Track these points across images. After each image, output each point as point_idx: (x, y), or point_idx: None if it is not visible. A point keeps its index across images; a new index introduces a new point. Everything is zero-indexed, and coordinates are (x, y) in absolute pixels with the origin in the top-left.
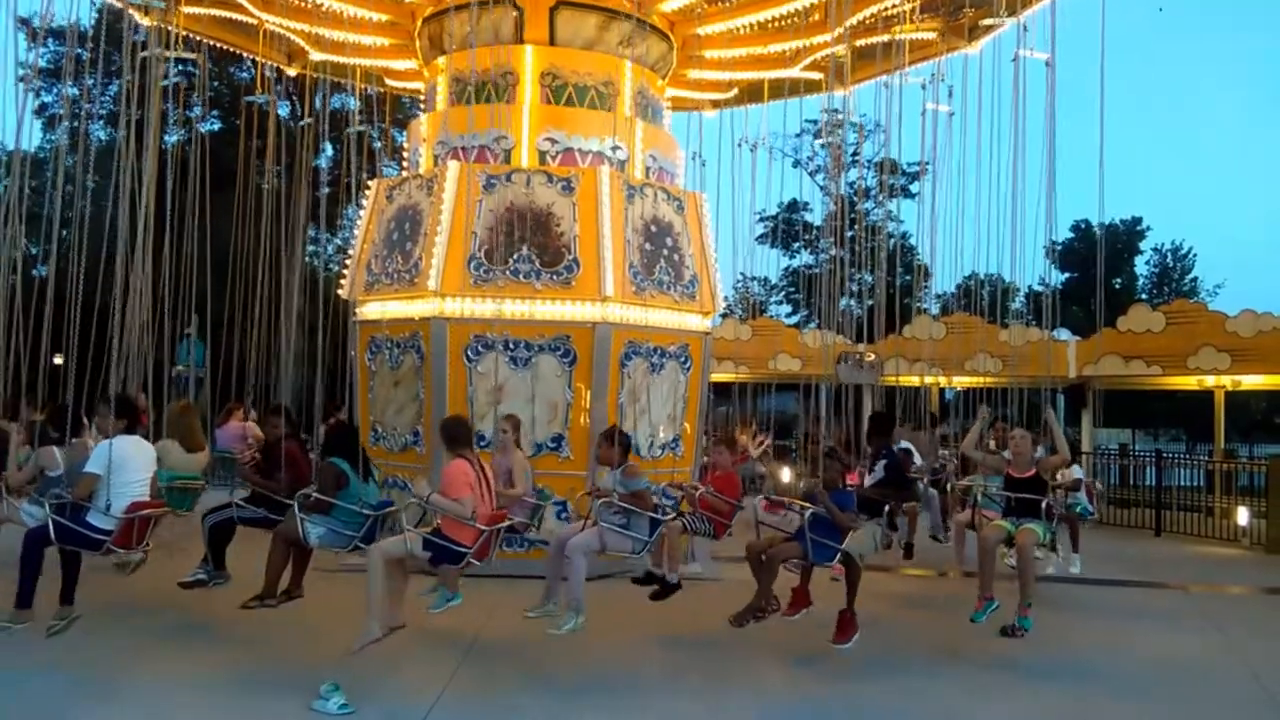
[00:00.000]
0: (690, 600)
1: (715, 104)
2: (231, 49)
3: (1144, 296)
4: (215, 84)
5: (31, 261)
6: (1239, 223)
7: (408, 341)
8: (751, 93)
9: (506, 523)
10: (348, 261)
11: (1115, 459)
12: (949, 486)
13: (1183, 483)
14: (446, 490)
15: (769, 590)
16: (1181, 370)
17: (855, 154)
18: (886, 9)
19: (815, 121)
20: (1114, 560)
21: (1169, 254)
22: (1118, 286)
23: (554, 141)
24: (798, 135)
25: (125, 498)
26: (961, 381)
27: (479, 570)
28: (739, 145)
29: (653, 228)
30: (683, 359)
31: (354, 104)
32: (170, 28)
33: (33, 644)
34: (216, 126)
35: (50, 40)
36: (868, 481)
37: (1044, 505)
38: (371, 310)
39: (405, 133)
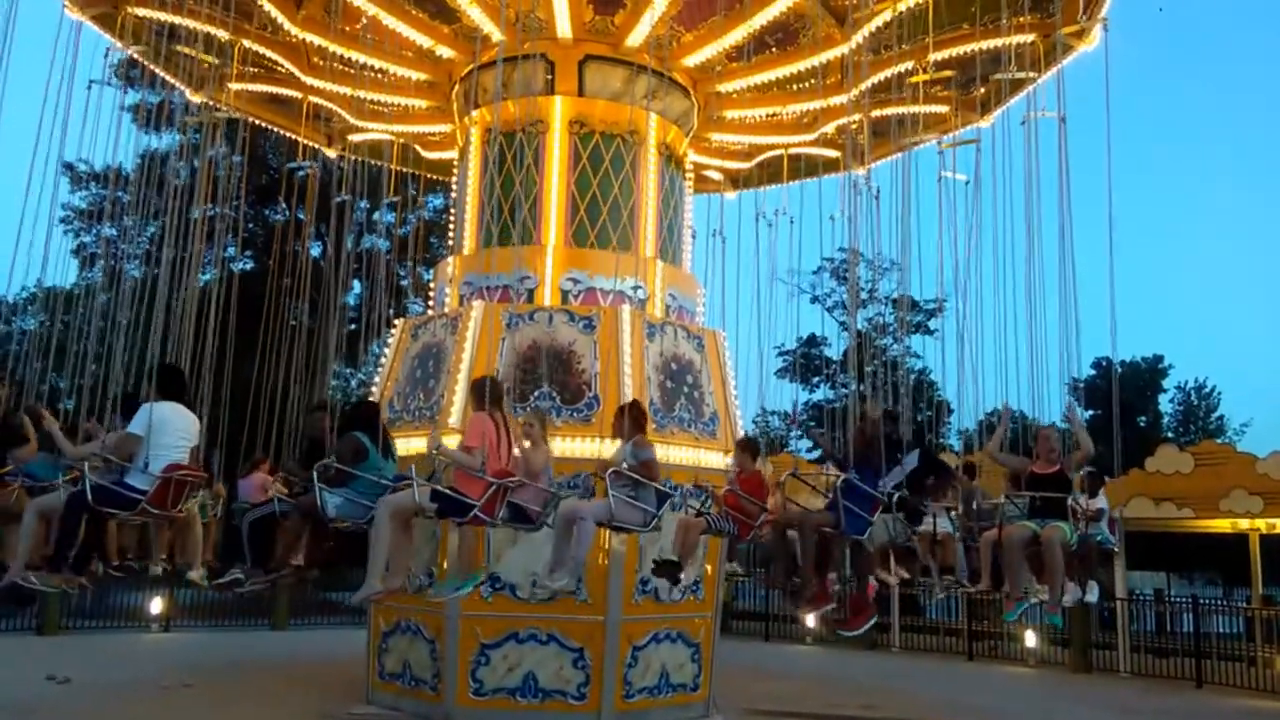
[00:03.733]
0: None
1: (736, 183)
2: (274, 128)
3: (1170, 435)
4: (250, 225)
5: (60, 394)
6: (1262, 360)
7: (427, 479)
8: (771, 174)
9: (516, 479)
10: (370, 398)
11: (1151, 605)
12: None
13: (1222, 630)
14: (462, 442)
15: (785, 564)
16: (1213, 512)
17: (872, 290)
18: (901, 73)
19: (832, 259)
20: (1160, 717)
21: (1193, 392)
22: (1143, 425)
23: (576, 281)
24: (815, 272)
25: (163, 460)
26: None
27: None
28: (758, 218)
29: (673, 365)
30: (703, 499)
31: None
32: (217, 105)
33: None
34: (250, 266)
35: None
36: (892, 476)
37: (1068, 503)
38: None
39: (432, 272)
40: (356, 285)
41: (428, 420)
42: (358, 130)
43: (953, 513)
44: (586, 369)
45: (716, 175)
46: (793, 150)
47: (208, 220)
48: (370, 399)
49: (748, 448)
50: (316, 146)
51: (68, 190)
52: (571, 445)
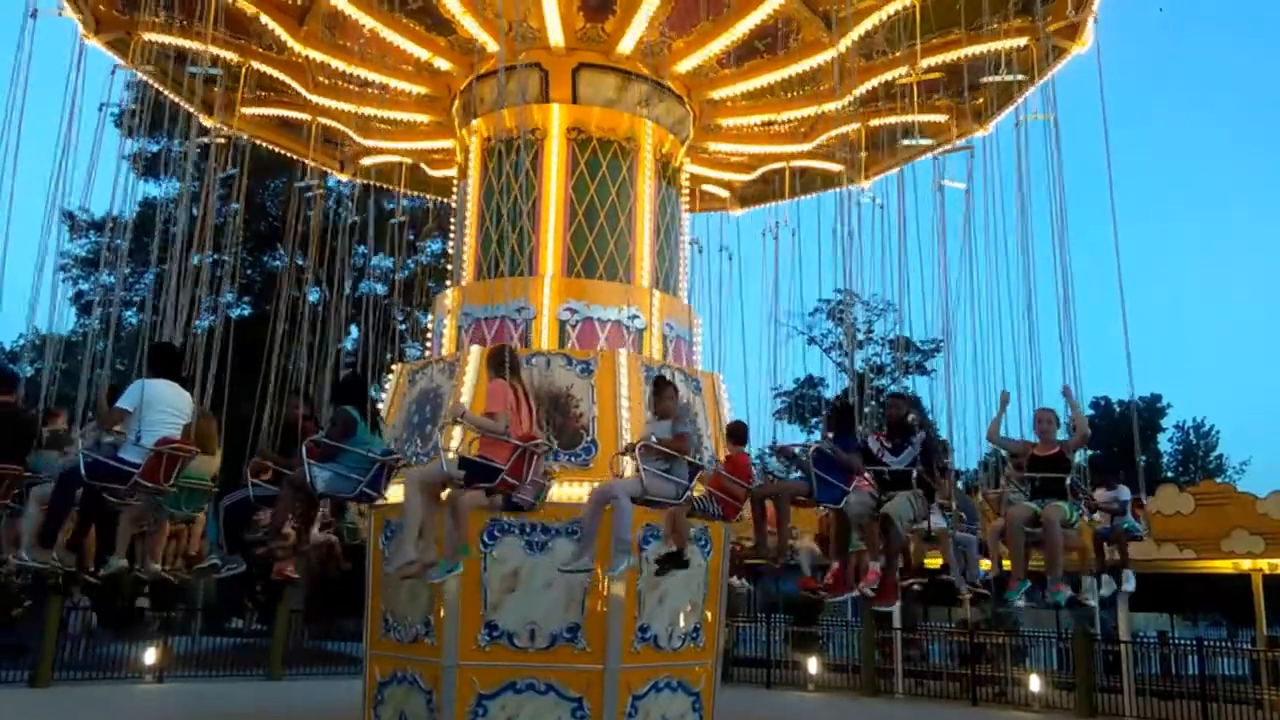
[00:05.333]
0: None
1: (743, 201)
2: (286, 152)
3: (1170, 475)
4: (248, 271)
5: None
6: (1259, 398)
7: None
8: (777, 191)
9: (540, 443)
10: None
11: (1155, 648)
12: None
13: (1227, 672)
14: (485, 409)
15: (765, 533)
16: (1215, 553)
17: (868, 331)
18: (892, 79)
19: (829, 300)
20: None
21: (1192, 431)
22: (1142, 464)
23: (574, 311)
24: (811, 314)
25: (154, 433)
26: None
27: None
28: (764, 234)
29: None
30: (703, 542)
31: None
32: (227, 130)
33: None
34: (247, 312)
35: (91, 231)
36: (895, 463)
37: (1068, 484)
38: (389, 493)
39: (429, 312)
40: (354, 330)
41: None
42: (368, 153)
43: (946, 512)
44: (584, 413)
45: (723, 192)
46: (795, 164)
47: (206, 266)
48: (358, 374)
49: (733, 433)
50: (328, 171)
51: (67, 238)
52: (570, 490)
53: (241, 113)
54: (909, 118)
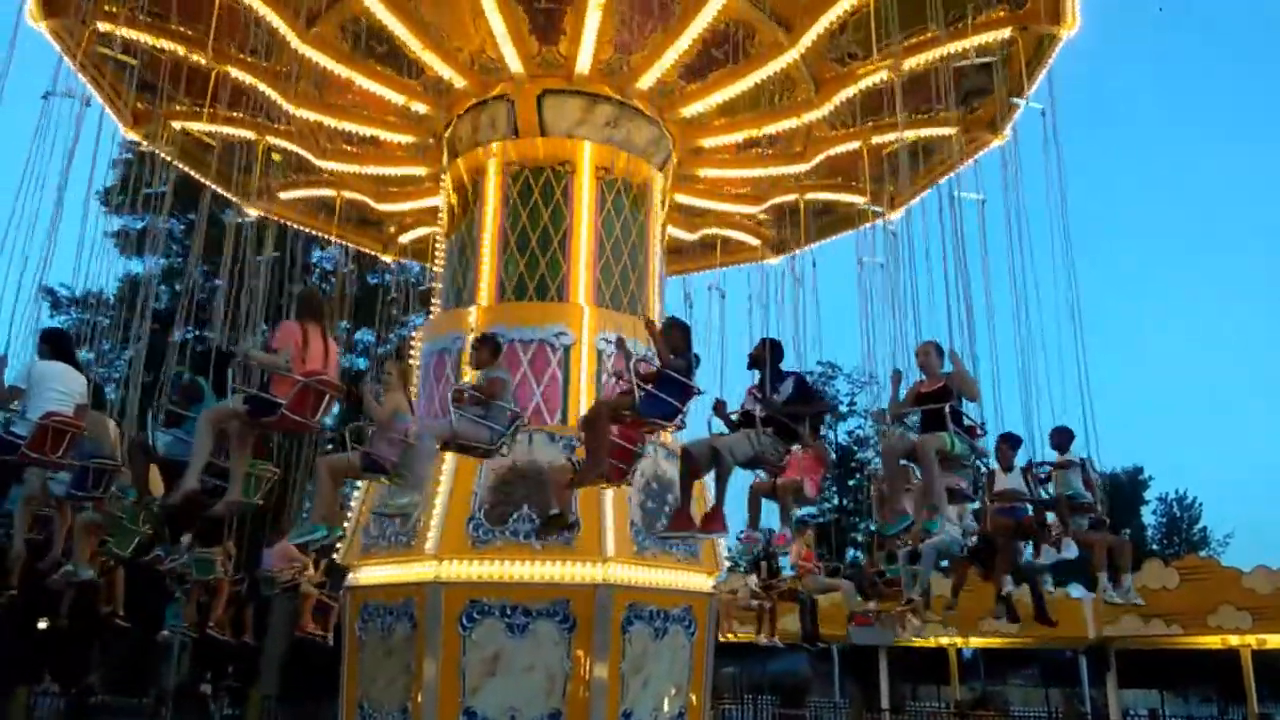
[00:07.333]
0: None
1: (777, 249)
2: (335, 239)
3: (1155, 548)
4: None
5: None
6: (1239, 471)
7: (401, 608)
8: (807, 234)
9: (325, 378)
10: (345, 524)
11: None
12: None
13: None
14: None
15: (597, 453)
16: (1203, 629)
17: (851, 404)
18: (870, 86)
19: (810, 373)
20: None
21: (1175, 503)
22: (1127, 538)
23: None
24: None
25: (40, 408)
26: (979, 642)
27: None
28: (797, 282)
29: (654, 484)
30: (687, 623)
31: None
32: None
33: None
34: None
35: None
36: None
37: (947, 410)
38: (365, 575)
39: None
40: (338, 407)
41: (404, 547)
42: (404, 230)
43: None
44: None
45: (753, 240)
46: (809, 196)
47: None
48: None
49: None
50: (375, 254)
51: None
52: (551, 569)
53: (279, 198)
54: (921, 131)
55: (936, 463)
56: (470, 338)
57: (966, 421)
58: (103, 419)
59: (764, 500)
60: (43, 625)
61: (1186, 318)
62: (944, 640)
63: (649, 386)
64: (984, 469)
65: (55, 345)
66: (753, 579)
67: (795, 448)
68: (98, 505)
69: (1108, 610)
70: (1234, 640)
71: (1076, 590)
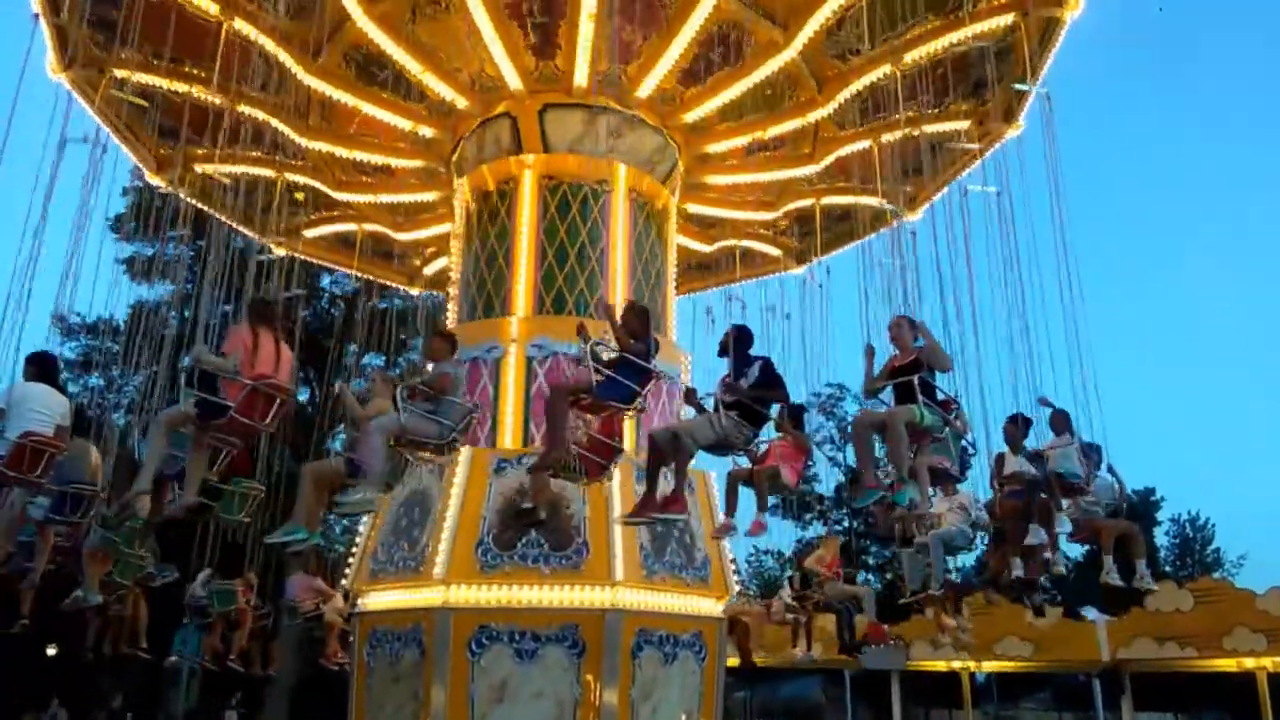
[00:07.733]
0: None
1: (799, 259)
2: (363, 274)
3: (1168, 570)
4: None
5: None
6: (1253, 492)
7: (409, 634)
8: (828, 241)
9: (274, 381)
10: (354, 550)
11: None
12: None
13: None
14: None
15: (556, 435)
16: (1217, 651)
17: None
18: (875, 81)
19: (819, 395)
20: None
21: (1187, 524)
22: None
23: (540, 348)
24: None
25: (19, 427)
26: (992, 666)
27: None
28: (820, 286)
29: None
30: (697, 648)
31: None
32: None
33: None
34: None
35: (83, 334)
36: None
37: (916, 381)
38: (373, 601)
39: None
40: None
41: (412, 572)
42: (427, 262)
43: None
44: (575, 513)
45: (775, 251)
46: (825, 201)
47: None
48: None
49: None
50: (400, 287)
51: (59, 341)
52: (560, 594)
53: (304, 236)
54: (935, 126)
55: (905, 435)
56: (512, 348)
57: (941, 395)
58: (84, 445)
59: (742, 487)
60: (51, 652)
61: (1201, 339)
62: (957, 664)
63: (609, 371)
64: (969, 447)
65: (40, 367)
66: (786, 592)
67: (777, 436)
68: (74, 530)
69: (1121, 633)
70: (1249, 663)
71: (1090, 613)
